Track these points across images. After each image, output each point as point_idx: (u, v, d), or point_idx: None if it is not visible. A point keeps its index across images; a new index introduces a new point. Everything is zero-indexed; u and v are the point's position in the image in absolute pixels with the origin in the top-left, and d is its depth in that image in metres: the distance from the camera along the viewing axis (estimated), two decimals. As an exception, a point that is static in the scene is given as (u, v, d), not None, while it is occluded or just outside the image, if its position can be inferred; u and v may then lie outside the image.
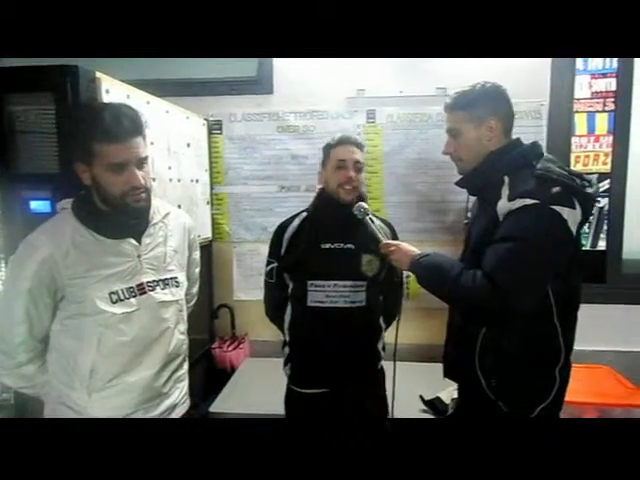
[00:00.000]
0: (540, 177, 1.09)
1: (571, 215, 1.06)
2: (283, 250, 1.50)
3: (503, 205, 1.10)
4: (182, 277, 1.26)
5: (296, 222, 1.52)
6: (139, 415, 1.13)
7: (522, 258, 1.05)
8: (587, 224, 1.13)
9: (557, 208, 1.05)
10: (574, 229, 1.08)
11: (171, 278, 1.21)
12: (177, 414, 1.24)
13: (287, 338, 1.53)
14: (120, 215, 1.10)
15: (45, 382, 1.13)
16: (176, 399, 1.24)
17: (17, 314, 1.06)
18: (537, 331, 1.14)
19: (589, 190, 1.10)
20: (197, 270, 1.42)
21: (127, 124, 1.05)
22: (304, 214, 1.53)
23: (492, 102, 1.21)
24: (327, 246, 1.46)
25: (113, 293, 1.09)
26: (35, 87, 1.29)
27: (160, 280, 1.18)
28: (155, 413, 1.17)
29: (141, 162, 1.09)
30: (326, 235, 1.46)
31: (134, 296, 1.12)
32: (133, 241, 1.13)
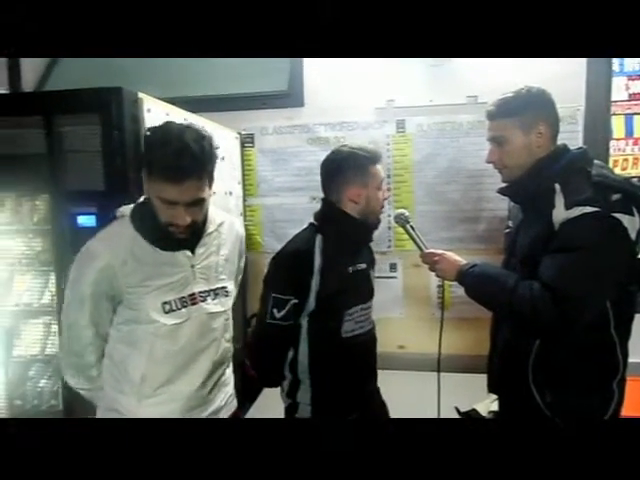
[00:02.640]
0: (598, 184, 1.05)
1: (631, 223, 1.03)
2: (317, 282, 1.28)
3: (559, 213, 1.06)
4: (231, 286, 1.28)
5: (318, 247, 1.31)
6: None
7: (584, 268, 1.02)
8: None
9: (618, 216, 1.01)
10: (634, 236, 1.04)
11: (221, 288, 1.22)
12: (223, 416, 1.27)
13: (305, 380, 1.34)
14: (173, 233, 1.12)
15: (100, 387, 1.18)
16: (221, 402, 1.26)
17: (83, 317, 1.11)
18: (595, 343, 1.11)
19: None
20: (240, 277, 1.43)
21: (187, 164, 1.00)
22: (319, 237, 1.34)
23: (540, 107, 1.17)
24: (351, 269, 1.34)
25: (166, 303, 1.12)
26: (82, 109, 1.37)
27: (211, 290, 1.20)
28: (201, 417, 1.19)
29: (195, 202, 1.07)
30: (348, 258, 1.36)
31: (185, 306, 1.14)
32: (188, 252, 1.16)
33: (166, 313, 1.12)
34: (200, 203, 1.08)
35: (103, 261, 1.09)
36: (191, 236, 1.15)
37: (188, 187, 1.03)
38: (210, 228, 1.22)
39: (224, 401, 1.28)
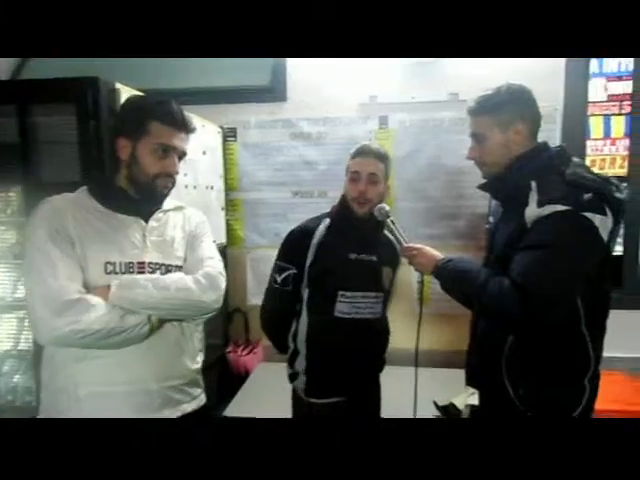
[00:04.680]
0: (571, 183, 1.06)
1: (602, 222, 1.03)
2: (311, 257, 1.41)
3: (532, 211, 1.07)
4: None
5: (321, 228, 1.44)
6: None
7: (552, 266, 1.02)
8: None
9: (589, 215, 1.02)
10: (605, 236, 1.05)
11: (176, 266, 1.19)
12: (175, 413, 1.19)
13: (302, 350, 1.45)
14: (139, 195, 1.14)
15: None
16: (179, 397, 1.19)
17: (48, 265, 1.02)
18: (565, 339, 1.12)
19: (619, 195, 1.07)
20: (200, 252, 1.27)
21: (185, 118, 1.16)
22: (327, 220, 1.47)
23: (519, 105, 1.17)
24: (354, 257, 1.43)
25: (109, 263, 1.08)
26: (57, 99, 1.34)
27: (163, 264, 1.16)
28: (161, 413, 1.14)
29: (181, 155, 1.18)
30: (352, 245, 1.44)
31: (131, 272, 1.11)
32: (141, 220, 1.16)
33: (107, 274, 1.08)
34: (183, 157, 1.19)
35: (56, 203, 1.08)
36: (154, 201, 1.18)
37: (184, 137, 1.16)
38: (168, 206, 1.23)
39: (187, 397, 1.22)
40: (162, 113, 1.11)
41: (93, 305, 1.01)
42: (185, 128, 1.16)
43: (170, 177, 1.16)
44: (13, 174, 1.44)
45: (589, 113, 2.15)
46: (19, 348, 1.65)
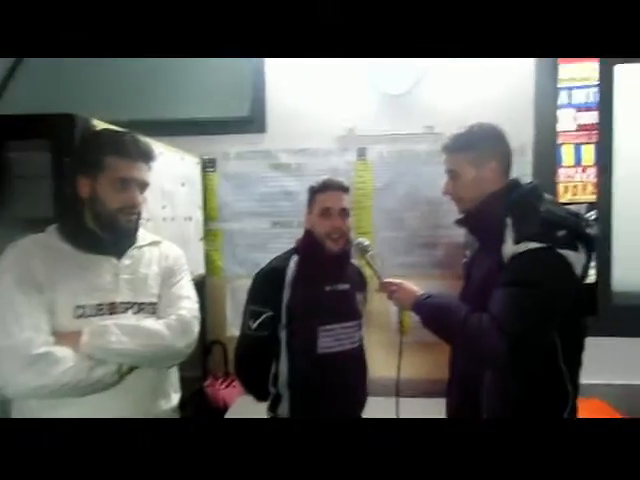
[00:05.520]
0: (545, 220, 1.08)
1: (576, 257, 1.06)
2: (287, 296, 1.38)
3: (508, 248, 1.08)
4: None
5: (292, 265, 1.42)
6: None
7: (529, 304, 1.04)
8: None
9: (563, 252, 1.04)
10: (579, 271, 1.07)
11: (149, 303, 1.17)
12: None
13: (284, 394, 1.40)
14: (106, 232, 1.13)
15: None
16: None
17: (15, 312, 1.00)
18: (543, 374, 1.13)
19: (589, 230, 1.10)
20: (176, 290, 1.26)
21: (141, 147, 1.15)
22: (295, 257, 1.44)
23: (491, 143, 1.20)
24: (328, 288, 1.42)
25: (79, 307, 1.06)
26: (32, 134, 1.33)
27: (135, 303, 1.14)
28: None
29: (143, 186, 1.17)
30: (325, 277, 1.42)
31: (102, 314, 1.08)
32: (113, 259, 1.14)
33: (76, 318, 1.05)
34: (145, 188, 1.17)
35: (25, 246, 1.07)
36: (124, 238, 1.16)
37: (142, 167, 1.15)
38: (142, 242, 1.22)
39: None
40: (117, 146, 1.11)
41: (60, 358, 0.99)
42: (142, 158, 1.15)
43: (133, 209, 1.14)
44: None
45: (560, 142, 2.23)
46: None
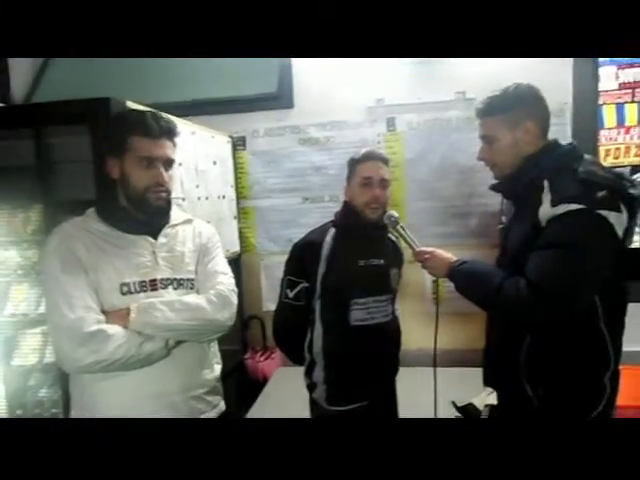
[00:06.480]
0: (584, 181, 1.04)
1: (618, 219, 1.02)
2: (322, 269, 1.41)
3: (546, 210, 1.05)
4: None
5: (329, 238, 1.44)
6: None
7: (569, 266, 1.01)
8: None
9: (604, 213, 1.00)
10: (621, 233, 1.03)
11: (187, 279, 1.20)
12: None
13: (319, 361, 1.45)
14: (139, 211, 1.15)
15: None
16: (199, 408, 1.21)
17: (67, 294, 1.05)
18: (584, 338, 1.10)
19: (633, 191, 1.06)
20: (212, 266, 1.28)
21: (163, 125, 1.14)
22: (333, 230, 1.46)
23: (527, 104, 1.16)
24: (363, 263, 1.43)
25: (124, 285, 1.11)
26: (70, 120, 1.38)
27: (174, 279, 1.18)
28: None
29: (168, 163, 1.16)
30: (360, 252, 1.44)
31: (145, 291, 1.13)
32: (149, 238, 1.17)
33: (123, 295, 1.10)
34: (172, 165, 1.17)
35: (66, 231, 1.11)
36: (157, 216, 1.18)
37: (165, 144, 1.14)
38: (176, 220, 1.25)
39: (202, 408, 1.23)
40: (138, 126, 1.11)
41: (112, 335, 1.04)
42: (166, 135, 1.15)
43: (161, 187, 1.15)
44: (32, 194, 1.48)
45: (601, 102, 2.12)
46: (44, 362, 1.69)
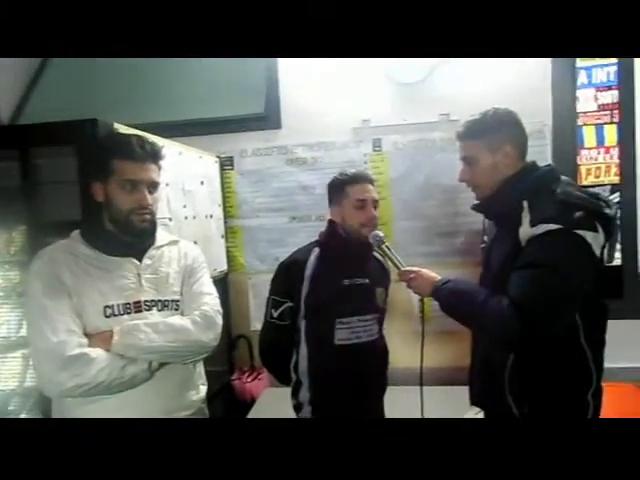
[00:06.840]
0: (562, 202, 1.08)
1: (595, 239, 1.05)
2: (306, 289, 1.42)
3: (525, 230, 1.09)
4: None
5: (312, 258, 1.45)
6: None
7: (548, 285, 1.04)
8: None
9: (581, 232, 1.04)
10: (598, 252, 1.07)
11: (172, 300, 1.21)
12: None
13: (304, 382, 1.45)
14: (123, 234, 1.16)
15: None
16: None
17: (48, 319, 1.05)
18: (566, 355, 1.12)
19: (608, 211, 1.09)
20: (197, 287, 1.29)
21: (148, 148, 1.16)
22: (317, 250, 1.48)
23: (506, 128, 1.20)
24: (347, 282, 1.45)
25: (108, 307, 1.11)
26: (57, 141, 1.38)
27: (159, 301, 1.18)
28: None
29: (153, 185, 1.18)
30: (344, 271, 1.45)
31: (128, 313, 1.13)
32: (134, 260, 1.18)
33: (107, 317, 1.11)
34: (156, 188, 1.19)
35: (50, 254, 1.11)
36: (141, 238, 1.19)
37: (149, 167, 1.15)
38: (160, 242, 1.25)
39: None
40: (122, 149, 1.13)
41: (94, 358, 1.04)
42: (150, 158, 1.16)
43: (145, 209, 1.16)
44: (16, 215, 1.47)
45: (581, 123, 2.18)
46: (25, 386, 1.65)
